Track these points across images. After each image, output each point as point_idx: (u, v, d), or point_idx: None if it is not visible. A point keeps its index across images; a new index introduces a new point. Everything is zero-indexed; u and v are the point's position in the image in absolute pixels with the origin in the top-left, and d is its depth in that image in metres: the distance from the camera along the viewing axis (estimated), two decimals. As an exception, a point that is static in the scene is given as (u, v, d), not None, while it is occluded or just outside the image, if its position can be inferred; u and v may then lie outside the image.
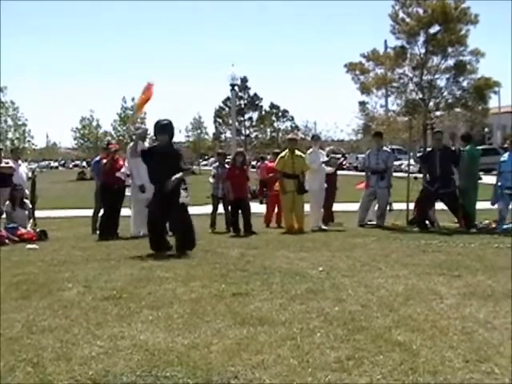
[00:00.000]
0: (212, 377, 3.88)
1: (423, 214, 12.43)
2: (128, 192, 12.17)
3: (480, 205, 12.91)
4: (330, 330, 4.81)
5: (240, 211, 12.42)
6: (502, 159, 12.42)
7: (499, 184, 12.18)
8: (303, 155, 12.83)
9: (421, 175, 14.90)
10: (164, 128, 9.56)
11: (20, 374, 3.99)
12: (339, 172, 14.60)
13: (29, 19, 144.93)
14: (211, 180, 13.48)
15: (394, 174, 13.92)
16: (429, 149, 13.86)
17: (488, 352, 4.26)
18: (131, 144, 12.85)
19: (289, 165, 12.41)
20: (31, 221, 12.34)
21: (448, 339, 4.56)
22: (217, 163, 14.00)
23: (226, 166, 13.68)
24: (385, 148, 13.97)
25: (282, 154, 12.89)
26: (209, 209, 13.49)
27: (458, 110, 16.11)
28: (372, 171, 13.13)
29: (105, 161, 12.36)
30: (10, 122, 55.63)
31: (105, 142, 16.05)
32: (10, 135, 55.49)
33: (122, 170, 12.07)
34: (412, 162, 15.48)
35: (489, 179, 16.35)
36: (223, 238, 11.49)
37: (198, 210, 12.42)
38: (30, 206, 12.63)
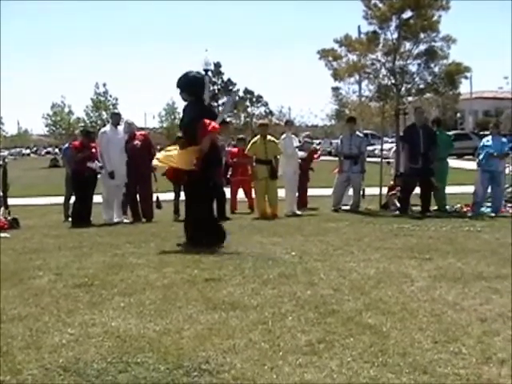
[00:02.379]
0: (183, 362, 3.88)
1: (406, 196, 12.43)
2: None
3: (452, 189, 13.06)
4: (301, 314, 4.84)
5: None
6: (487, 143, 12.40)
7: (484, 168, 12.21)
8: (276, 140, 12.84)
9: (393, 160, 14.99)
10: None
11: (-11, 363, 3.95)
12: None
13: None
14: None
15: (368, 159, 13.99)
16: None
17: (456, 333, 4.33)
18: (102, 129, 12.74)
19: (261, 150, 12.38)
20: (3, 209, 12.20)
21: (417, 321, 4.62)
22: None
23: None
24: (358, 133, 14.02)
25: (254, 139, 12.86)
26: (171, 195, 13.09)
27: (429, 95, 16.24)
28: (345, 156, 13.17)
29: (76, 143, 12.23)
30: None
31: (80, 129, 15.83)
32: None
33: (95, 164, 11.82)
34: (385, 146, 15.56)
35: (460, 164, 16.54)
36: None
37: (161, 197, 12.24)
38: (1, 194, 12.49)
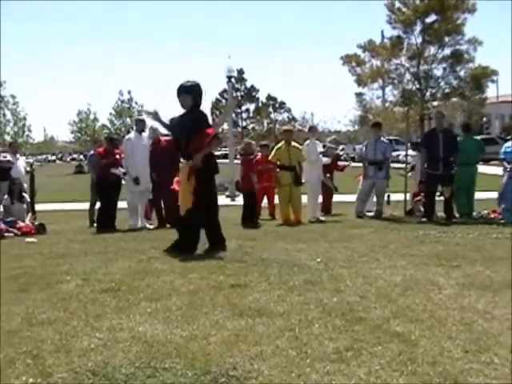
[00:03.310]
0: (211, 368, 3.88)
1: (430, 202, 12.30)
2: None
3: (478, 195, 12.90)
4: (328, 321, 4.81)
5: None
6: (508, 149, 12.21)
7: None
8: (299, 146, 12.80)
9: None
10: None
11: (20, 365, 3.99)
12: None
13: (25, 12, 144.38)
14: None
15: (392, 165, 13.90)
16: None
17: (487, 342, 4.26)
18: (127, 136, 12.85)
19: (285, 156, 12.35)
20: (29, 214, 12.36)
21: (447, 330, 4.56)
22: None
23: None
24: (382, 139, 13.95)
25: (278, 145, 12.84)
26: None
27: (454, 99, 16.06)
28: (370, 162, 13.10)
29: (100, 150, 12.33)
30: (8, 116, 55.36)
31: (103, 136, 15.99)
32: (8, 129, 55.24)
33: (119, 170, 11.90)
34: (410, 152, 15.44)
35: (486, 169, 16.30)
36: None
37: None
38: (29, 200, 12.66)
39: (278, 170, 12.58)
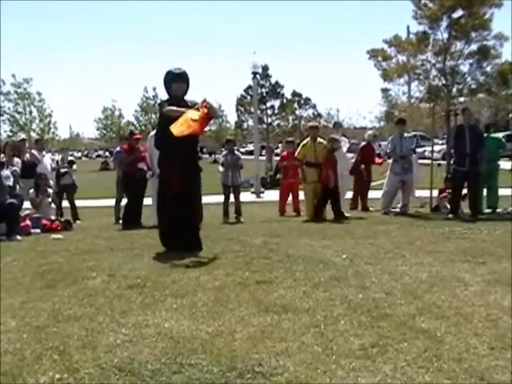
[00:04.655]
0: (236, 364, 3.89)
1: (456, 198, 12.25)
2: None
3: (505, 191, 12.82)
4: (353, 318, 4.80)
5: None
6: None
7: None
8: (325, 142, 12.75)
9: (444, 162, 14.81)
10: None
11: (47, 361, 4.03)
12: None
13: (47, 10, 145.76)
14: (220, 169, 13.02)
15: (418, 161, 13.83)
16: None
17: (514, 339, 4.23)
18: (151, 133, 12.91)
19: (311, 153, 12.30)
20: (54, 209, 12.52)
21: (473, 326, 4.53)
22: (226, 151, 13.42)
23: (236, 152, 13.38)
24: (407, 134, 13.87)
25: (304, 142, 12.79)
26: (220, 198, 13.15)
27: (481, 95, 15.93)
28: (396, 158, 13.03)
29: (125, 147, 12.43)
30: (34, 112, 55.87)
31: (127, 132, 16.12)
32: (34, 126, 55.79)
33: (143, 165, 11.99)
34: (436, 148, 15.36)
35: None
36: (243, 226, 11.53)
37: (209, 200, 12.29)
38: (54, 196, 12.82)
39: (304, 167, 12.53)
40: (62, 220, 12.00)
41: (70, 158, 15.13)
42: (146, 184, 12.15)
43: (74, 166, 14.45)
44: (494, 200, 12.72)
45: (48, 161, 14.23)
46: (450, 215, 11.88)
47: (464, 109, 13.39)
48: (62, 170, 13.90)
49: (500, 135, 16.73)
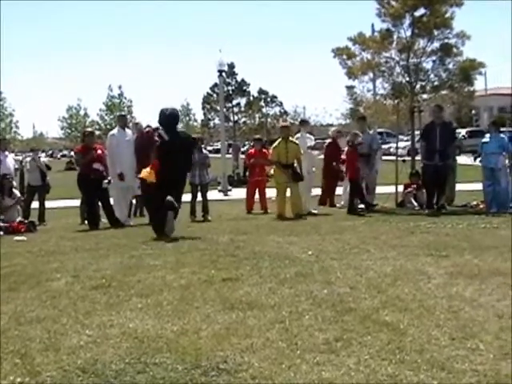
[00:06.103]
0: (201, 362, 3.88)
1: (430, 191, 12.44)
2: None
3: (466, 186, 13.04)
4: (318, 313, 4.83)
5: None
6: (484, 141, 12.49)
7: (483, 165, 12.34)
8: (297, 142, 12.68)
9: (409, 158, 14.99)
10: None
11: (7, 365, 3.96)
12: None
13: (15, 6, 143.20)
14: None
15: (383, 158, 13.96)
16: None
17: (473, 329, 4.30)
18: (111, 132, 12.78)
19: (283, 154, 12.24)
20: (20, 211, 12.35)
21: (435, 318, 4.59)
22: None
23: (203, 151, 13.30)
24: (368, 131, 13.98)
25: (276, 143, 12.73)
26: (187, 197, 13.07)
27: (444, 92, 16.16)
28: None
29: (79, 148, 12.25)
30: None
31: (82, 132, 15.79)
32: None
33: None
34: (401, 144, 15.52)
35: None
36: (210, 224, 11.52)
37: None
38: (19, 195, 12.62)
39: (275, 168, 12.48)
40: (26, 221, 11.82)
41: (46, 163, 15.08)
42: (100, 184, 11.77)
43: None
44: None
45: (11, 161, 14.00)
46: (427, 210, 12.03)
47: (435, 106, 13.52)
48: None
49: (463, 131, 17.01)
